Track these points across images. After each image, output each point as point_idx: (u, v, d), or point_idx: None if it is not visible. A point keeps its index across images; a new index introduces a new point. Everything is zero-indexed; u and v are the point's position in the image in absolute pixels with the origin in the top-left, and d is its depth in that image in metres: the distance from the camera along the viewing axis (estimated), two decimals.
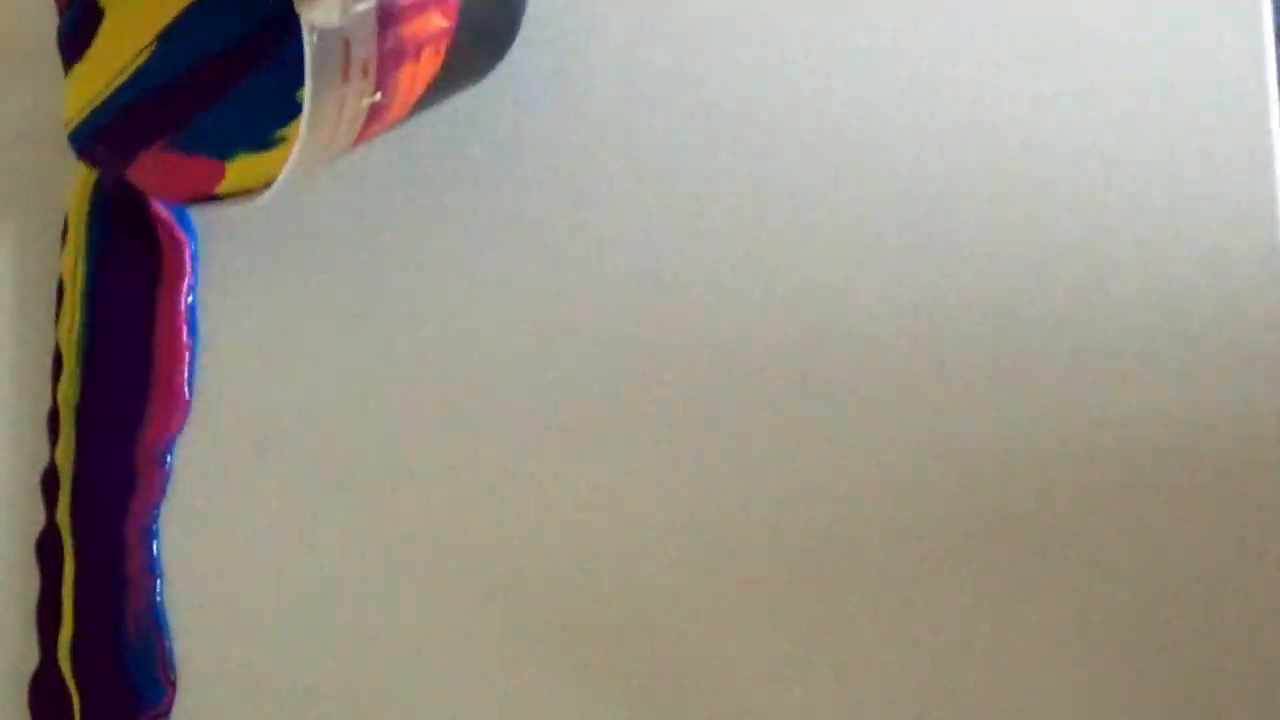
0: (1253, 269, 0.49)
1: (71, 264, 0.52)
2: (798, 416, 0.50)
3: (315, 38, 0.40)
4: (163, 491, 0.51)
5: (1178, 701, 0.48)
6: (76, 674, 0.49)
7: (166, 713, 0.49)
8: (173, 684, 0.49)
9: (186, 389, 0.52)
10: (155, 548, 0.50)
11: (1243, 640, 0.48)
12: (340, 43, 0.41)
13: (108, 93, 0.49)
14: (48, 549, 0.50)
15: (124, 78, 0.48)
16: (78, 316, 0.52)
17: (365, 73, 0.42)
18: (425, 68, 0.45)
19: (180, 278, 0.52)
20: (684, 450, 0.50)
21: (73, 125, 0.49)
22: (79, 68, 0.49)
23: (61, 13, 0.49)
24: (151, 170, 0.48)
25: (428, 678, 0.49)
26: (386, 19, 0.42)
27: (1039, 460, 0.49)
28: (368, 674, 0.50)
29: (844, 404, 0.50)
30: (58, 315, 0.52)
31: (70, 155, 0.51)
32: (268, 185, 0.44)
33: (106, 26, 0.49)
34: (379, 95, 0.44)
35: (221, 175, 0.47)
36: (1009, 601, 0.49)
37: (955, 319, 0.50)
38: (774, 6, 0.52)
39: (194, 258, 0.52)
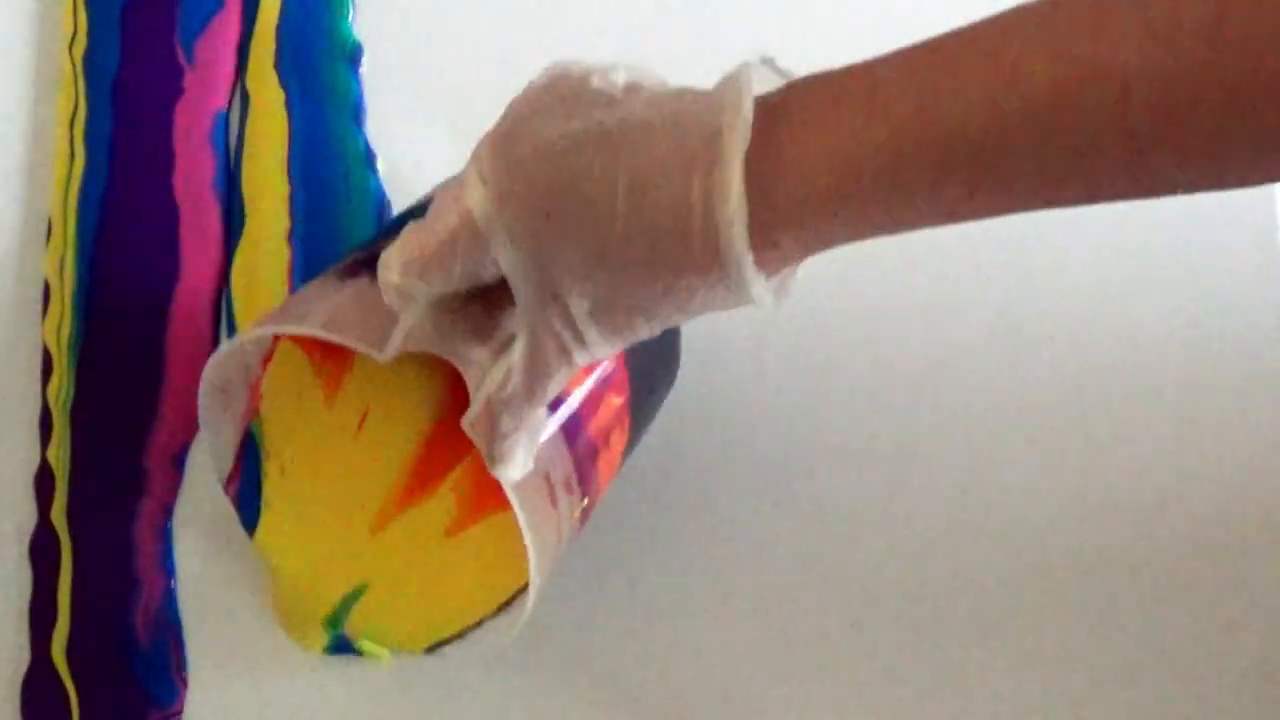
0: (1253, 269, 0.50)
1: (57, 265, 0.52)
2: None
3: (519, 496, 0.39)
4: (176, 492, 0.50)
5: None
6: (75, 673, 0.49)
7: (179, 713, 0.48)
8: (185, 683, 0.49)
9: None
10: (168, 547, 0.50)
11: None
12: (540, 479, 0.40)
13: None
14: (41, 547, 0.50)
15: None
16: (68, 317, 0.52)
17: (569, 488, 0.42)
18: (616, 446, 0.44)
19: (201, 282, 0.52)
20: None
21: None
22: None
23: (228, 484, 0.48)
24: None
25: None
26: (572, 430, 0.41)
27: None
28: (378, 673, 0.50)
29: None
30: (44, 315, 0.52)
31: (46, 156, 0.52)
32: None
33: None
34: (586, 500, 0.43)
35: None
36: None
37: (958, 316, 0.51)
38: None
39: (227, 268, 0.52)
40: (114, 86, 0.53)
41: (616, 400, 0.43)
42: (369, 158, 0.53)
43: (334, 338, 0.39)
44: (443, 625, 0.46)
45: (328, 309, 0.41)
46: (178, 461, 0.50)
